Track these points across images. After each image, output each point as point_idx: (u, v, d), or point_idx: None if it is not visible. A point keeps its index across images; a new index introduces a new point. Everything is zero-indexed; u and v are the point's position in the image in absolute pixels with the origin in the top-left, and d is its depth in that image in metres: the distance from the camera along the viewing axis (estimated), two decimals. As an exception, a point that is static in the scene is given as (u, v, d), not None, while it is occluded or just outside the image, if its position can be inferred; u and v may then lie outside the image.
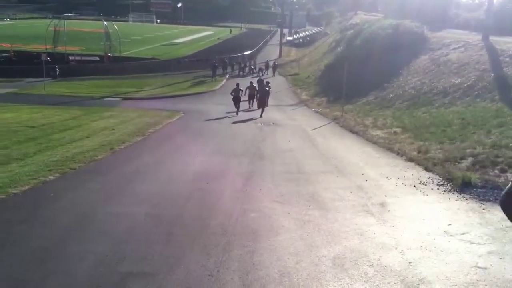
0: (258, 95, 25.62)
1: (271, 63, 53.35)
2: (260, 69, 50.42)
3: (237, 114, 24.15)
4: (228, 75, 47.37)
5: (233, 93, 24.66)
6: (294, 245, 6.09)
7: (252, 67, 52.38)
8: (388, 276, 5.16)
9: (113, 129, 17.09)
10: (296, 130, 18.55)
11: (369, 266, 5.43)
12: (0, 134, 14.71)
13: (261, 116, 22.64)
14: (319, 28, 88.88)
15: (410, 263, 5.51)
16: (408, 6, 43.89)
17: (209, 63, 49.80)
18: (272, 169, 10.84)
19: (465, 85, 20.03)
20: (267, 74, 48.78)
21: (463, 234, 6.48)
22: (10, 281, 4.91)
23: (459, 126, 14.50)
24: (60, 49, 55.76)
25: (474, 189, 8.73)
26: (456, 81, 21.12)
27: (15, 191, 8.27)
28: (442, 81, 22.32)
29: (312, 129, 19.16)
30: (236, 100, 24.63)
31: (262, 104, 23.86)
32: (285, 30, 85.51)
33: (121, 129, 17.13)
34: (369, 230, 6.68)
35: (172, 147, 14.22)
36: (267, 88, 25.60)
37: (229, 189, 8.99)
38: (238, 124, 20.94)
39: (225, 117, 22.86)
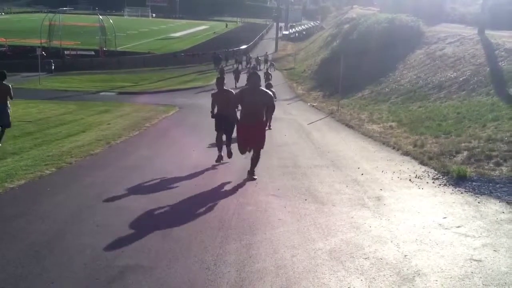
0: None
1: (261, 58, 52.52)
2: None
3: (228, 156, 10.87)
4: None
5: (215, 108, 11.10)
6: (291, 238, 6.12)
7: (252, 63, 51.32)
8: (384, 268, 5.20)
9: (109, 123, 17.09)
10: (292, 124, 18.57)
11: (365, 259, 5.46)
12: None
13: (251, 174, 9.42)
14: (315, 22, 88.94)
15: (405, 255, 5.55)
16: (404, 0, 43.88)
17: (212, 55, 49.99)
18: (268, 163, 10.85)
19: (461, 79, 20.08)
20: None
21: (458, 227, 6.52)
22: (7, 276, 4.92)
23: (454, 120, 14.56)
24: (55, 43, 55.68)
25: (469, 183, 8.78)
26: (452, 75, 21.18)
27: (11, 186, 8.28)
28: (438, 75, 22.38)
29: (308, 123, 19.19)
30: (223, 121, 10.74)
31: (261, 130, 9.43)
32: (281, 24, 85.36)
33: (117, 123, 17.12)
34: (365, 223, 6.72)
35: (169, 141, 14.23)
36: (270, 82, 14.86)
37: (224, 183, 9.01)
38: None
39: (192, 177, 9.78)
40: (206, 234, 6.23)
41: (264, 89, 9.79)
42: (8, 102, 13.15)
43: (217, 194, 8.28)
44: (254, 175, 9.33)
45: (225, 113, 10.49)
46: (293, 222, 6.78)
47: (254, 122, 9.13)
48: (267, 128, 10.18)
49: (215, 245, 5.83)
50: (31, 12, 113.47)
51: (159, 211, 7.17)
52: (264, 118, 9.38)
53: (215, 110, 11.09)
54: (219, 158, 10.87)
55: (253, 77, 9.51)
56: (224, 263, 5.32)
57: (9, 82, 13.44)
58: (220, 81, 11.24)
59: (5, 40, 58.57)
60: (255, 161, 9.38)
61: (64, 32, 57.91)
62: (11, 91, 13.11)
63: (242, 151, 9.54)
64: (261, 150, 9.35)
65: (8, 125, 13.25)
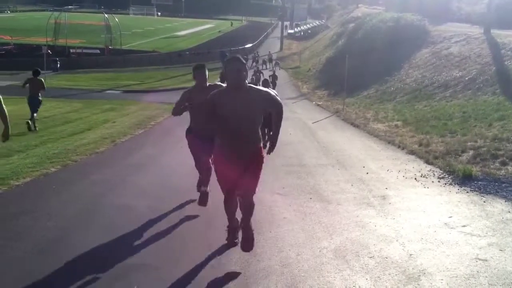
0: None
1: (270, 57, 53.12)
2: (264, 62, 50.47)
3: (201, 201, 7.11)
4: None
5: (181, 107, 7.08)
6: (296, 236, 6.11)
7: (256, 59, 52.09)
8: (389, 267, 5.18)
9: (114, 121, 17.11)
10: (297, 123, 18.54)
11: (370, 258, 5.45)
12: (1, 127, 14.72)
13: (246, 231, 5.48)
14: (320, 21, 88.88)
15: (411, 255, 5.54)
16: (409, -1, 43.78)
17: (219, 53, 50.52)
18: (273, 161, 10.83)
19: (467, 78, 20.01)
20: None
21: (463, 226, 6.50)
22: (13, 273, 4.93)
23: (460, 119, 14.50)
24: (61, 41, 55.81)
25: (475, 182, 8.75)
26: (458, 75, 21.10)
27: (17, 183, 8.30)
28: (444, 75, 22.31)
29: (313, 122, 19.17)
30: (204, 144, 6.76)
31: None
32: (286, 23, 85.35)
33: (122, 121, 17.14)
34: (370, 222, 6.71)
35: (174, 139, 14.21)
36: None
37: (230, 182, 8.99)
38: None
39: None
40: (211, 232, 6.24)
41: (258, 87, 5.49)
42: (40, 93, 16.17)
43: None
44: (251, 232, 5.51)
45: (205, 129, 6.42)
46: (298, 220, 6.78)
47: (241, 151, 5.17)
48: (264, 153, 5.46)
49: (220, 243, 5.82)
50: (37, 10, 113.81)
51: (163, 210, 7.17)
52: (261, 142, 5.39)
53: (192, 124, 7.14)
54: (203, 196, 7.13)
55: (233, 65, 5.02)
56: (229, 261, 5.32)
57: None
58: (200, 72, 6.90)
59: (11, 38, 58.81)
60: (247, 210, 5.49)
61: (69, 31, 58.02)
62: (44, 84, 16.49)
63: (226, 196, 5.57)
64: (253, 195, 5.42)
65: (36, 109, 15.96)
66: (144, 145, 13.08)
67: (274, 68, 45.59)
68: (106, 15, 61.71)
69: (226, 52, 50.98)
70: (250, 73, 28.40)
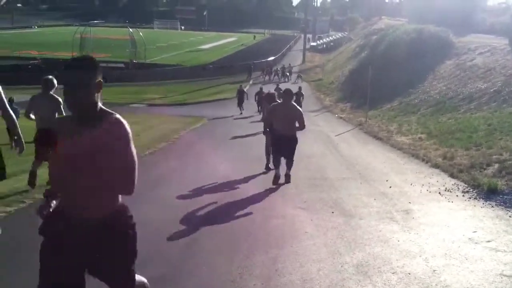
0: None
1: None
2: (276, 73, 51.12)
3: None
4: (252, 80, 47.77)
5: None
6: (317, 251, 6.07)
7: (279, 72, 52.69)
8: (412, 283, 5.12)
9: (138, 135, 17.28)
10: (319, 135, 18.51)
11: (393, 273, 5.39)
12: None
13: None
14: (342, 34, 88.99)
15: (434, 270, 5.46)
16: (432, 10, 43.49)
17: (245, 66, 51.73)
18: (295, 175, 10.82)
19: (492, 90, 19.78)
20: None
21: (488, 241, 6.40)
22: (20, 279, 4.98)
23: (485, 132, 14.32)
24: (87, 56, 56.54)
25: (500, 196, 8.62)
26: (482, 86, 20.89)
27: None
28: (468, 86, 22.11)
29: (336, 135, 19.11)
30: None
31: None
32: (309, 36, 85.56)
33: (146, 135, 17.30)
34: (393, 237, 6.64)
35: (197, 153, 14.31)
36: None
37: (252, 195, 9.00)
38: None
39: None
40: (231, 246, 6.23)
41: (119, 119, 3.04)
42: None
43: (244, 206, 8.27)
44: None
45: None
46: (320, 235, 6.74)
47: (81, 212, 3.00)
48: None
49: (241, 257, 5.82)
50: (63, 25, 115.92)
51: (183, 222, 7.18)
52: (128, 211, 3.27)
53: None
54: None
55: (64, 76, 2.89)
56: (250, 276, 5.30)
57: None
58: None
59: (37, 53, 59.99)
60: None
61: (95, 45, 58.96)
62: None
63: None
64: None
65: None
66: (168, 158, 13.20)
67: (297, 81, 45.62)
68: (130, 30, 62.58)
69: (251, 65, 51.59)
70: (269, 88, 28.26)
